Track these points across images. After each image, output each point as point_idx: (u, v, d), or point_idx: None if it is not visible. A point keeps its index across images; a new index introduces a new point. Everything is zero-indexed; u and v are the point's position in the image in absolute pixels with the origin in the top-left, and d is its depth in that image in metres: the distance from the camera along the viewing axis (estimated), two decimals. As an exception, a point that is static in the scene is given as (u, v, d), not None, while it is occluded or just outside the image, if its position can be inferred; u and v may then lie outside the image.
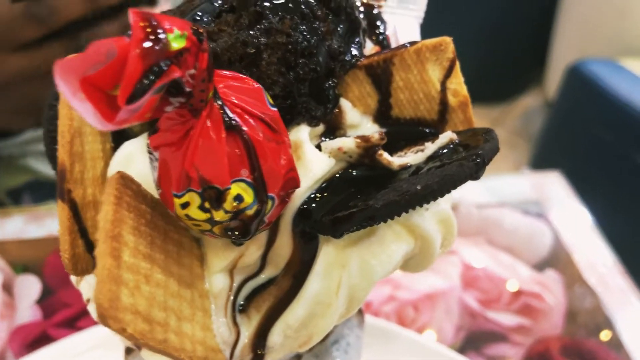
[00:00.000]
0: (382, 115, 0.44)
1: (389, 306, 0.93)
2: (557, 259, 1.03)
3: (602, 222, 1.11)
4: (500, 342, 0.92)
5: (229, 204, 0.31)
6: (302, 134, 0.39)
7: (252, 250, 0.40)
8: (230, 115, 0.31)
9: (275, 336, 0.40)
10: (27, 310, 0.90)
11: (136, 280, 0.32)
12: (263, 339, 0.41)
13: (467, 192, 1.08)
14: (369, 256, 0.40)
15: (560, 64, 2.37)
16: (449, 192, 0.36)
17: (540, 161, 2.05)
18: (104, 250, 0.31)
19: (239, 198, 0.31)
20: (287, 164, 0.33)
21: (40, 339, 0.86)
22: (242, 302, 0.41)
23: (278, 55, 0.37)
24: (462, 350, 0.90)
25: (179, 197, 0.31)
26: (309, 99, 0.40)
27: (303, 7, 0.38)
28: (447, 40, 0.42)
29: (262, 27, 0.37)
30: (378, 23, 0.46)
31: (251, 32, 0.37)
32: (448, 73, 0.43)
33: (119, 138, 0.41)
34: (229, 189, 0.31)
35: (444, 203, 0.44)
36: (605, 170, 1.70)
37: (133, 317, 0.31)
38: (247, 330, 0.41)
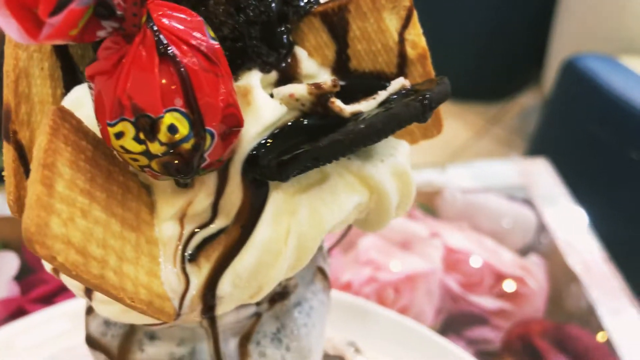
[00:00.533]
0: (340, 67, 0.44)
1: (369, 287, 0.93)
2: (541, 245, 1.02)
3: (596, 217, 1.10)
4: (481, 326, 0.91)
5: (163, 134, 0.31)
6: (253, 80, 0.39)
7: (202, 198, 0.39)
8: (165, 42, 0.30)
9: (225, 285, 0.40)
10: (4, 285, 0.90)
11: (71, 212, 0.32)
12: (213, 289, 0.40)
13: (453, 177, 1.08)
14: (319, 204, 0.39)
15: (558, 63, 2.36)
16: (393, 131, 0.35)
17: (536, 154, 2.04)
18: (34, 177, 0.30)
19: (173, 128, 0.31)
20: (226, 97, 0.32)
21: (16, 313, 0.86)
22: (191, 252, 0.41)
23: (227, -4, 0.37)
24: (442, 332, 0.89)
25: (112, 125, 0.31)
26: (260, 43, 0.39)
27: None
28: (403, -14, 0.41)
29: (210, -35, 0.37)
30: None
31: (199, -29, 0.37)
32: (406, 23, 0.42)
33: (70, 84, 0.40)
34: (162, 117, 0.30)
35: (400, 157, 0.43)
36: (599, 165, 1.69)
37: (64, 247, 0.30)
38: (197, 280, 0.40)
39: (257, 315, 0.49)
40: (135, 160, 0.33)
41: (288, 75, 0.41)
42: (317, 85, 0.39)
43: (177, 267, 0.40)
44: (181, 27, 0.31)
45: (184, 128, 0.31)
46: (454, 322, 0.91)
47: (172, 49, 0.30)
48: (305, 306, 0.54)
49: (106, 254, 0.34)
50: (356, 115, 0.39)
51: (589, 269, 0.97)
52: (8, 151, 0.37)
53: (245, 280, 0.40)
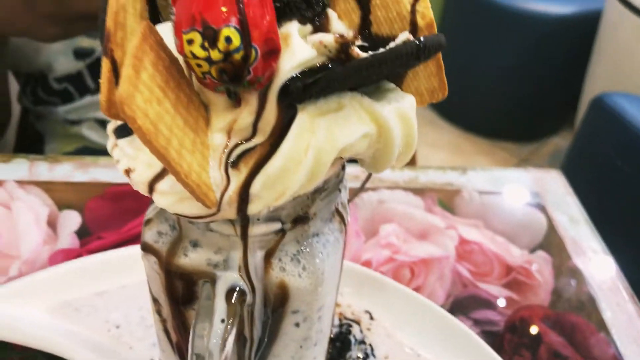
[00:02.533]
0: (363, 30, 0.55)
1: (387, 266, 1.02)
2: (550, 245, 1.10)
3: (618, 250, 1.17)
4: (487, 309, 1.00)
5: (221, 43, 0.43)
6: (292, 28, 0.50)
7: (245, 115, 0.50)
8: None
9: (257, 185, 0.50)
10: (66, 238, 1.02)
11: (150, 96, 0.43)
12: (247, 188, 0.51)
13: (471, 179, 1.17)
14: (334, 126, 0.50)
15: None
16: (393, 63, 0.46)
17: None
18: (127, 64, 0.42)
19: (229, 39, 0.42)
20: (269, 25, 0.44)
21: (75, 260, 0.98)
22: (233, 159, 0.52)
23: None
24: (450, 312, 0.98)
25: (186, 33, 0.42)
26: (300, 1, 0.51)
27: None
28: (412, -36, 0.52)
29: None
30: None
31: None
32: (416, -2, 0.53)
33: (154, 21, 0.53)
34: (221, 29, 0.42)
35: (406, 104, 0.54)
36: (622, 197, 1.75)
37: (143, 116, 0.42)
38: (236, 180, 0.51)
39: (282, 233, 0.60)
40: (200, 66, 0.44)
41: (320, 30, 0.53)
42: (342, 35, 0.50)
43: (221, 169, 0.51)
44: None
45: (236, 40, 0.43)
46: (463, 305, 1.00)
47: (233, -18, 0.42)
48: (322, 238, 0.64)
49: (171, 136, 0.45)
50: (370, 59, 0.50)
51: (594, 269, 1.05)
52: (105, 64, 0.49)
53: (272, 181, 0.50)
